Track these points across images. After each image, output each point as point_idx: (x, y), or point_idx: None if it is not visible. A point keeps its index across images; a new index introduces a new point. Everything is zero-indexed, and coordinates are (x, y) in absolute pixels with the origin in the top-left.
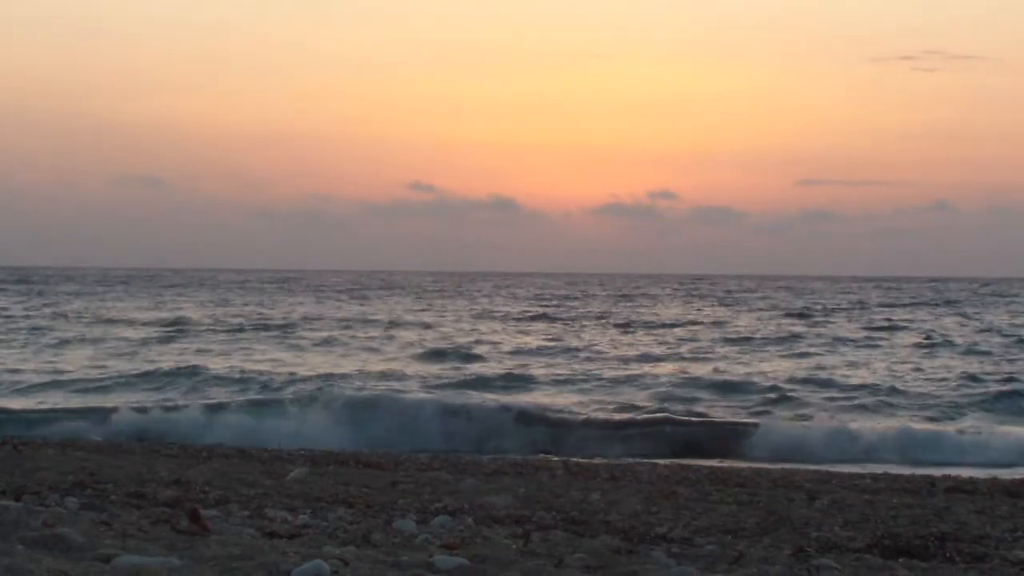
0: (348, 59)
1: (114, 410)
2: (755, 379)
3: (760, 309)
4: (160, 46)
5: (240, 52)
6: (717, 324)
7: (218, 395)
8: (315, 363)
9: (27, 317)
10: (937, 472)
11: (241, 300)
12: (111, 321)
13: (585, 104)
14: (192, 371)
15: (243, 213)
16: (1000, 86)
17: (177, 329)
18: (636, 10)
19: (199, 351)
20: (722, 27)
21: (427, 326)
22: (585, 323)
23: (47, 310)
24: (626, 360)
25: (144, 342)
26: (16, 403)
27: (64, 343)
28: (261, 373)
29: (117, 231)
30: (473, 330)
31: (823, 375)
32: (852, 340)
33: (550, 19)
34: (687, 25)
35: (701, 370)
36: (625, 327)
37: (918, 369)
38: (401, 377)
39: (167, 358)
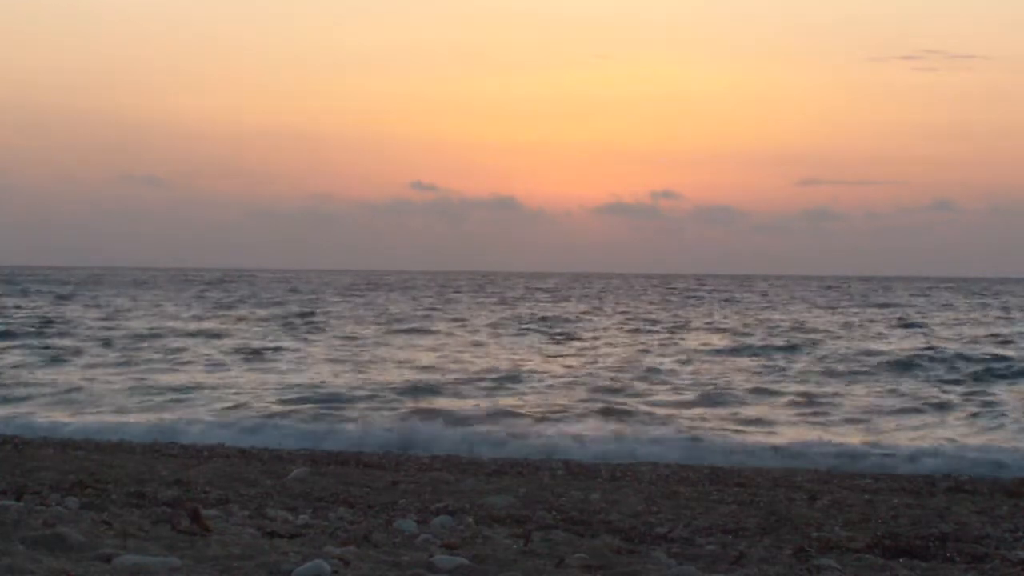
0: (349, 58)
1: None
2: None
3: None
4: (161, 45)
5: (241, 51)
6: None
7: None
8: None
9: None
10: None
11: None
12: None
13: (586, 104)
14: None
15: (244, 212)
16: (1000, 86)
17: None
18: (636, 10)
19: None
20: (722, 27)
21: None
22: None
23: None
24: None
25: None
26: None
27: None
28: None
29: (118, 230)
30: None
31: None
32: None
33: (551, 19)
34: (687, 25)
35: None
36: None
37: None
38: None
39: None
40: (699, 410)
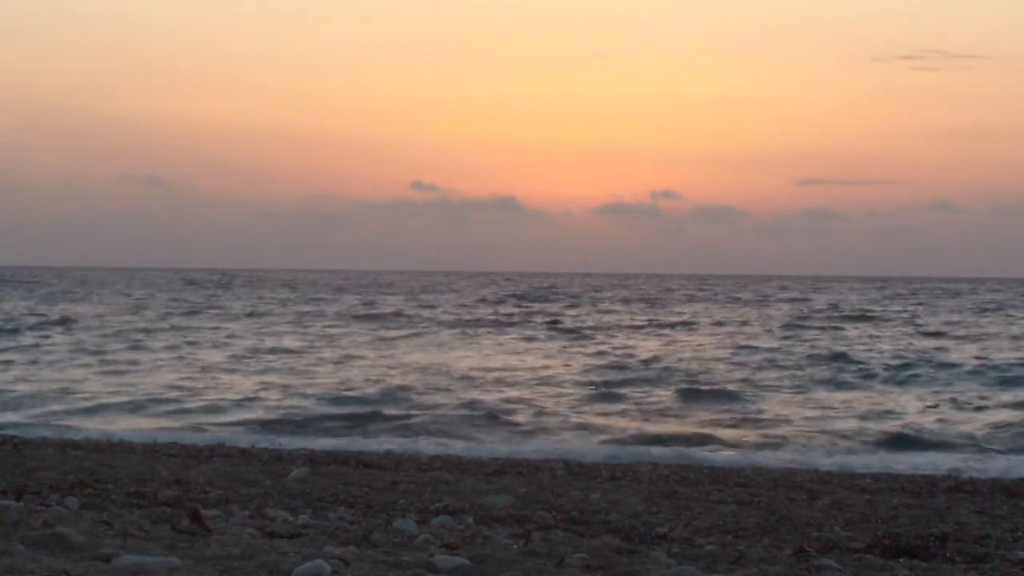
0: (350, 58)
1: None
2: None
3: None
4: (161, 45)
5: (241, 51)
6: None
7: None
8: None
9: None
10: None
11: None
12: None
13: (586, 104)
14: None
15: (244, 212)
16: (1000, 86)
17: None
18: (636, 10)
19: None
20: (723, 27)
21: None
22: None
23: None
24: None
25: None
26: None
27: None
28: None
29: (118, 230)
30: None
31: None
32: None
33: (551, 19)
34: (687, 25)
35: None
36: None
37: None
38: None
39: None
40: (701, 409)
